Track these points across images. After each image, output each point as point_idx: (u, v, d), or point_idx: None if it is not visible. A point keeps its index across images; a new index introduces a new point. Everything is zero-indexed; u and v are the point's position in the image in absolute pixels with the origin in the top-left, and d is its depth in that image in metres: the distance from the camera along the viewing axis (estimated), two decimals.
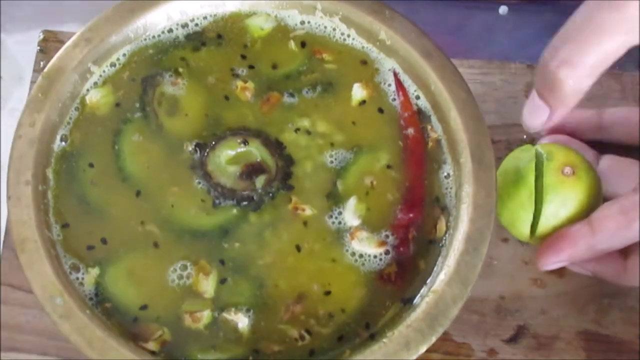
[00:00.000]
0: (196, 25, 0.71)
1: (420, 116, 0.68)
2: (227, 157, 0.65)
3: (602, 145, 0.73)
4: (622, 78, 0.82)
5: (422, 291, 0.62)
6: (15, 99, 0.90)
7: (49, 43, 0.81)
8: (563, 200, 0.64)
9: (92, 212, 0.64)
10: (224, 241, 0.64)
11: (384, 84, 0.70)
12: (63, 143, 0.66)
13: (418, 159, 0.67)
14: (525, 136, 0.79)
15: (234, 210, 0.65)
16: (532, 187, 0.65)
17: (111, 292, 0.62)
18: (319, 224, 0.64)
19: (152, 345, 0.60)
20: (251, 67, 0.70)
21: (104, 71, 0.69)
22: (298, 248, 0.64)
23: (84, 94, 0.68)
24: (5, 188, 0.62)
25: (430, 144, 0.67)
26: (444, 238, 0.64)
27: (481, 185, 0.64)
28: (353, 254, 0.64)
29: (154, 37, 0.70)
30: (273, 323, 0.62)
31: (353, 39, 0.71)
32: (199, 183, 0.65)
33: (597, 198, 0.66)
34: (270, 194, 0.65)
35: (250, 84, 0.69)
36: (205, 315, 0.61)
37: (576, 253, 0.63)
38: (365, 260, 0.64)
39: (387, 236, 0.64)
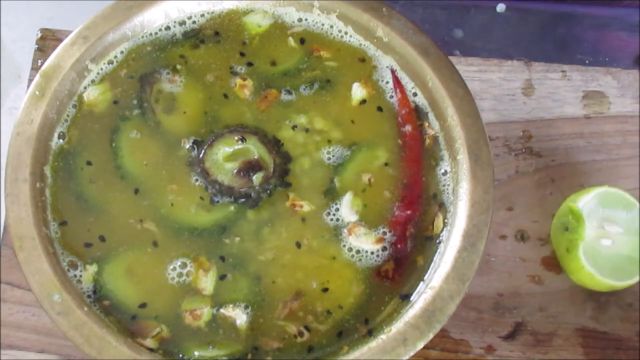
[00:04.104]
0: (194, 22, 0.71)
1: (417, 113, 0.68)
2: (224, 154, 0.65)
3: None
4: (620, 75, 0.82)
5: (419, 287, 0.62)
6: (14, 97, 0.90)
7: (47, 41, 0.81)
8: None
9: (90, 209, 0.64)
10: (224, 237, 0.64)
11: (382, 81, 0.70)
12: (61, 140, 0.66)
13: (415, 156, 0.67)
14: (522, 132, 0.79)
15: (232, 208, 0.65)
16: None
17: (109, 289, 0.62)
18: (316, 221, 0.65)
19: (150, 342, 0.60)
20: (250, 64, 0.70)
21: (101, 69, 0.69)
22: (298, 245, 0.64)
23: (81, 91, 0.68)
24: (3, 185, 0.63)
25: (428, 141, 0.67)
26: (442, 235, 0.64)
27: (479, 182, 0.64)
28: (350, 249, 0.64)
29: (151, 34, 0.70)
30: (271, 320, 0.62)
31: (350, 36, 0.71)
32: (197, 180, 0.65)
33: None
34: (268, 191, 0.65)
35: (249, 82, 0.69)
36: (206, 313, 0.61)
37: None
38: (362, 256, 0.64)
39: (384, 233, 0.64)
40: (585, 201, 0.71)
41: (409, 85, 0.69)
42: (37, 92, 0.66)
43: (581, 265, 0.69)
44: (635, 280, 0.70)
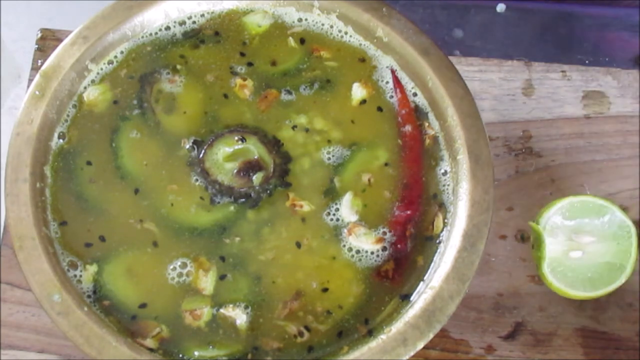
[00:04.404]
0: (193, 22, 0.71)
1: (417, 113, 0.68)
2: (224, 154, 0.65)
3: None
4: (620, 75, 0.82)
5: (419, 287, 0.62)
6: (14, 97, 0.90)
7: (47, 41, 0.81)
8: None
9: (90, 209, 0.64)
10: (224, 237, 0.64)
11: (382, 81, 0.70)
12: (61, 140, 0.66)
13: (415, 156, 0.67)
14: (522, 132, 0.79)
15: (232, 208, 0.65)
16: None
17: (109, 289, 0.62)
18: (316, 221, 0.65)
19: (150, 342, 0.60)
20: (250, 64, 0.70)
21: (101, 69, 0.69)
22: (298, 245, 0.64)
23: (81, 91, 0.68)
24: (3, 185, 0.63)
25: (428, 141, 0.67)
26: (442, 235, 0.64)
27: (478, 182, 0.64)
28: (350, 249, 0.64)
29: (151, 34, 0.70)
30: (271, 320, 0.62)
31: (350, 36, 0.71)
32: (197, 180, 0.65)
33: None
34: (268, 191, 0.65)
35: (249, 82, 0.69)
36: (206, 313, 0.61)
37: None
38: (362, 256, 0.64)
39: (384, 233, 0.64)
40: (548, 217, 0.71)
41: (409, 85, 0.69)
42: (37, 92, 0.66)
43: (550, 282, 0.69)
44: (616, 285, 0.69)
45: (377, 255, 0.64)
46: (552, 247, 0.69)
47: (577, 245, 0.70)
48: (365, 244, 0.64)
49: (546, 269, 0.69)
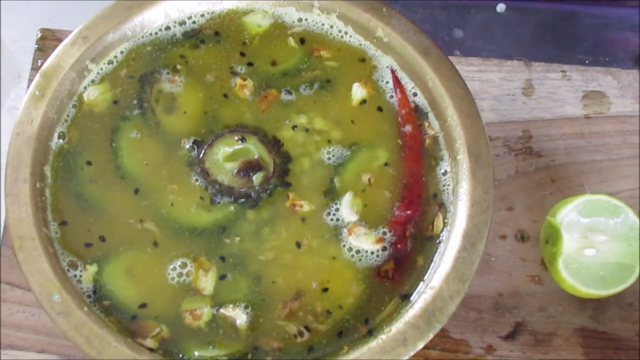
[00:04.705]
0: (193, 22, 0.71)
1: (417, 113, 0.68)
2: (224, 154, 0.65)
3: None
4: (620, 75, 0.82)
5: (419, 287, 0.62)
6: (14, 97, 0.90)
7: (47, 41, 0.81)
8: None
9: (91, 209, 0.64)
10: (224, 237, 0.64)
11: (382, 81, 0.70)
12: (61, 140, 0.66)
13: (415, 156, 0.67)
14: (522, 132, 0.79)
15: (232, 208, 0.65)
16: None
17: (109, 289, 0.62)
18: (316, 220, 0.65)
19: (150, 342, 0.60)
20: (250, 64, 0.70)
21: (101, 69, 0.69)
22: (298, 245, 0.64)
23: (81, 91, 0.68)
24: (3, 185, 0.63)
25: (428, 140, 0.67)
26: (442, 235, 0.64)
27: (479, 182, 0.64)
28: (350, 249, 0.64)
29: (151, 34, 0.70)
30: (271, 320, 0.62)
31: (350, 36, 0.71)
32: (197, 180, 0.65)
33: None
34: (268, 191, 0.65)
35: (249, 82, 0.69)
36: (206, 313, 0.61)
37: None
38: (362, 256, 0.64)
39: (384, 233, 0.64)
40: (565, 213, 0.71)
41: (409, 85, 0.69)
42: (37, 92, 0.66)
43: (563, 278, 0.69)
44: (626, 285, 0.70)
45: (377, 255, 0.64)
46: (567, 244, 0.70)
47: (591, 243, 0.70)
48: (365, 244, 0.64)
49: (561, 265, 0.69)
